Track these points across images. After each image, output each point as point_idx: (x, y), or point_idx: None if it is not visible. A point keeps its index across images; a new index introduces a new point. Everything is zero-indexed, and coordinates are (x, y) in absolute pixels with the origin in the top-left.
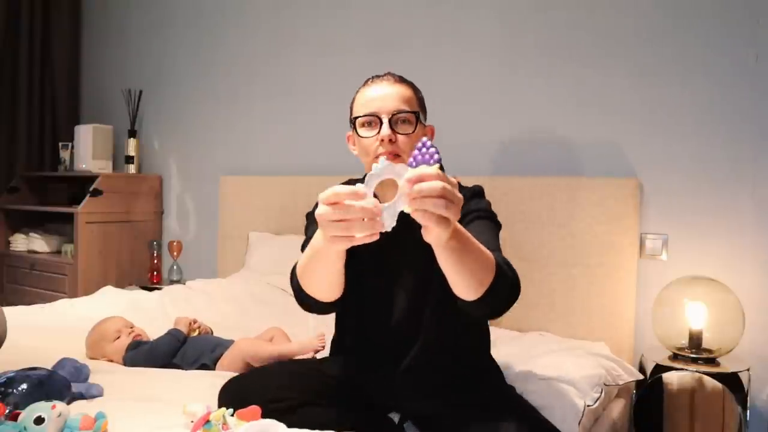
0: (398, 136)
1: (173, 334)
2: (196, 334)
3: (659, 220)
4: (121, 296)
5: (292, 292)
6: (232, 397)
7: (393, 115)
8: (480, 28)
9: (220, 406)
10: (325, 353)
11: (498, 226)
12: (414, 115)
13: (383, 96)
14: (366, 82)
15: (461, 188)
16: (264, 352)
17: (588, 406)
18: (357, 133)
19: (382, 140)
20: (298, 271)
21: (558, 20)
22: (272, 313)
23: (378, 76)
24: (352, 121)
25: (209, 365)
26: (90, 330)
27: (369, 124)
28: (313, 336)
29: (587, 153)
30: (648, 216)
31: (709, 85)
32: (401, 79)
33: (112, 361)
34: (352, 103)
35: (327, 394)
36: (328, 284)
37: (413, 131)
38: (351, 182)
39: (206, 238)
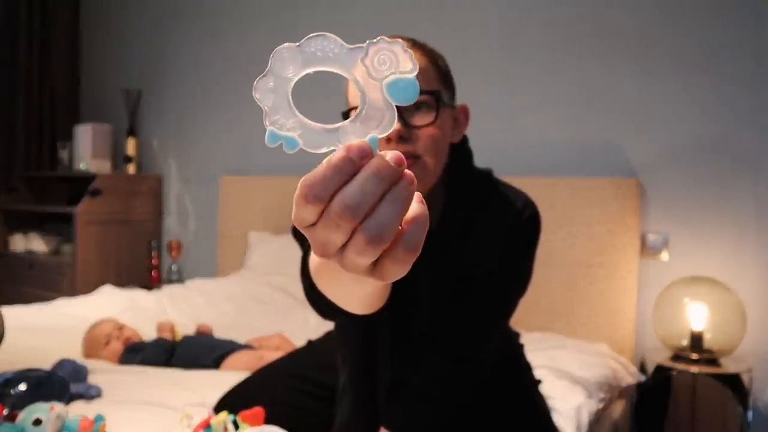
0: (413, 130)
1: (160, 345)
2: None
3: (660, 220)
4: (120, 296)
5: (292, 292)
6: (235, 402)
7: None
8: (480, 29)
9: (218, 412)
10: None
11: (509, 304)
12: (433, 96)
13: None
14: None
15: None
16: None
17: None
18: None
19: (389, 139)
20: (311, 268)
21: (558, 20)
22: (272, 313)
23: None
24: (344, 117)
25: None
26: (83, 337)
27: None
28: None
29: (587, 153)
30: (649, 216)
31: (709, 85)
32: (412, 45)
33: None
34: (346, 91)
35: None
36: (363, 291)
37: (434, 120)
38: None
39: (206, 238)
